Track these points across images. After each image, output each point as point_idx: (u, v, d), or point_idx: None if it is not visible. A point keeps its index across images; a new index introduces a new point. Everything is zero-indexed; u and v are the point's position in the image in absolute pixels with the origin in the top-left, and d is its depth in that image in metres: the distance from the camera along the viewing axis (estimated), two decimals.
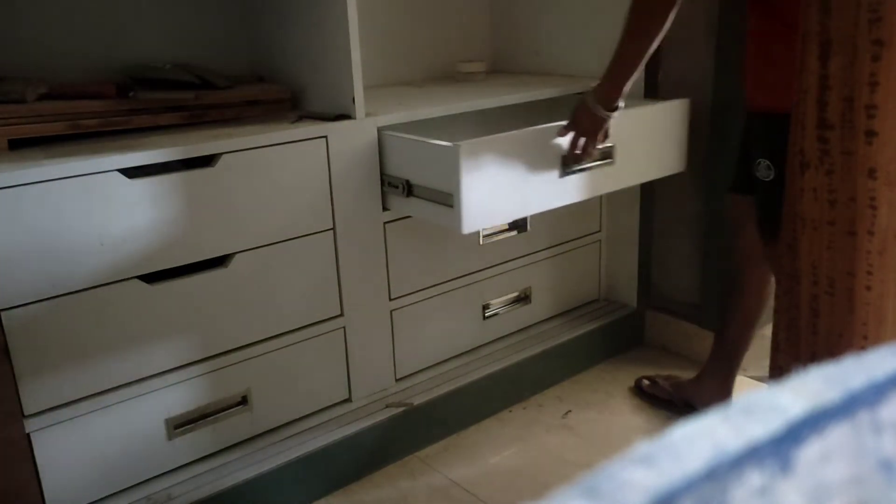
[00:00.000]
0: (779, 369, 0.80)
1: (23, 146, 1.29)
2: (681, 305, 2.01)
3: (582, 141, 1.46)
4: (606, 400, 1.84)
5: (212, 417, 1.42)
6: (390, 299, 1.63)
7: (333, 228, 1.49)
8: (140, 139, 1.34)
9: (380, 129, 1.51)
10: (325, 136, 1.44)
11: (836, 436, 0.32)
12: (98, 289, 1.24)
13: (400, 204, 1.52)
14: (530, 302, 1.92)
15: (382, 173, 1.53)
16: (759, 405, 0.31)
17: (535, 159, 1.47)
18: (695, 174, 1.89)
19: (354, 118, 1.48)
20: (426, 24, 2.07)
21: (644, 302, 2.07)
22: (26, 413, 1.21)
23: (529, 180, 1.47)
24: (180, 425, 1.38)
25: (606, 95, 1.41)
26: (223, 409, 1.43)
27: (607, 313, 2.03)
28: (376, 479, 1.57)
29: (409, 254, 1.63)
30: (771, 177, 1.38)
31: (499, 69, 2.19)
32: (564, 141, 1.49)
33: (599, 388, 1.89)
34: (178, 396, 1.37)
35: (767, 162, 1.38)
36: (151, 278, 1.29)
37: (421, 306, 1.69)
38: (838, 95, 0.66)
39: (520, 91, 1.77)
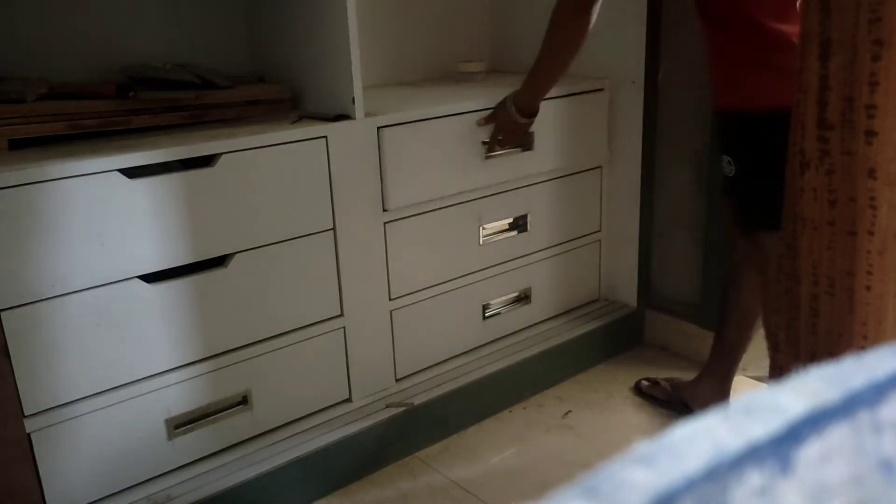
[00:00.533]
0: (779, 369, 0.80)
1: (23, 146, 1.29)
2: (681, 305, 2.01)
3: (500, 136, 1.64)
4: (606, 400, 1.84)
5: (212, 417, 1.41)
6: (390, 299, 1.63)
7: (333, 228, 1.49)
8: (140, 139, 1.34)
9: (379, 129, 1.51)
10: (325, 136, 1.44)
11: (836, 436, 0.32)
12: (98, 289, 1.24)
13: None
14: (530, 302, 1.92)
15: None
16: (759, 405, 0.31)
17: (460, 143, 1.64)
18: (695, 174, 1.89)
19: (354, 118, 1.48)
20: (426, 24, 2.07)
21: (644, 302, 2.06)
22: (26, 413, 1.21)
23: (454, 162, 1.64)
24: (180, 425, 1.38)
25: (527, 104, 1.57)
26: (223, 409, 1.43)
27: (607, 313, 2.03)
28: (376, 479, 1.57)
29: (408, 254, 1.63)
30: (732, 172, 1.40)
31: (499, 69, 2.19)
32: (484, 130, 1.64)
33: (599, 388, 1.89)
34: (178, 396, 1.37)
35: (728, 158, 1.41)
36: (151, 278, 1.29)
37: (421, 306, 1.69)
38: (838, 95, 0.66)
39: None
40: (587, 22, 1.45)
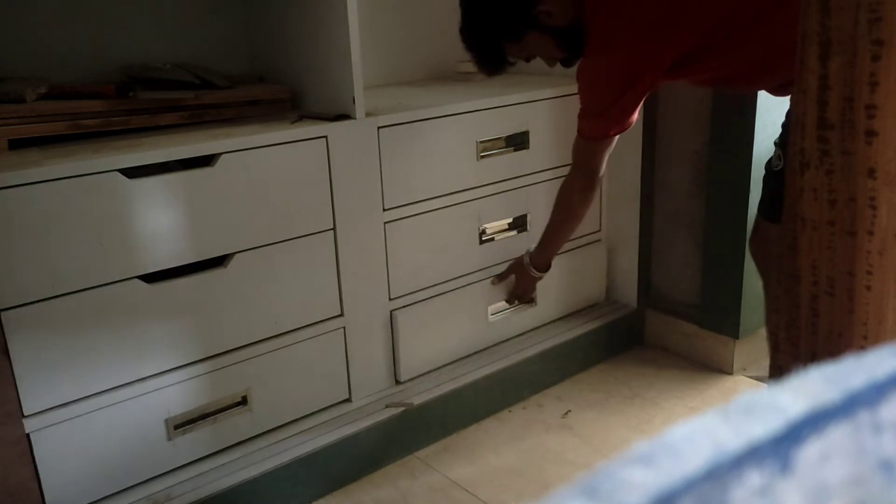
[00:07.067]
0: (779, 369, 0.80)
1: (23, 146, 1.29)
2: (681, 305, 2.01)
3: (519, 291, 1.81)
4: (606, 400, 1.84)
5: (212, 417, 1.42)
6: (390, 299, 1.63)
7: (333, 228, 1.49)
8: (140, 139, 1.34)
9: (379, 129, 1.51)
10: (325, 136, 1.44)
11: (836, 436, 0.32)
12: (98, 289, 1.24)
13: None
14: (535, 304, 1.92)
15: None
16: (759, 405, 0.31)
17: (460, 143, 1.66)
18: (695, 174, 1.89)
19: (354, 118, 1.48)
20: (426, 24, 2.07)
21: (644, 302, 2.06)
22: (26, 413, 1.21)
23: (454, 162, 1.67)
24: (180, 425, 1.38)
25: (542, 262, 1.73)
26: (223, 409, 1.43)
27: (607, 313, 2.03)
28: (376, 479, 1.57)
29: (409, 254, 1.63)
30: (780, 166, 1.41)
31: None
32: (482, 131, 1.71)
33: (599, 388, 1.89)
34: (178, 396, 1.37)
35: (780, 152, 1.42)
36: (151, 278, 1.29)
37: (421, 306, 1.69)
38: (838, 95, 0.66)
39: (519, 91, 1.77)
40: (591, 198, 1.58)
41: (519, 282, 1.79)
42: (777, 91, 1.44)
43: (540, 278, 1.77)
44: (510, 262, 1.80)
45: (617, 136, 1.48)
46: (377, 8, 1.95)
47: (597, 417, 1.77)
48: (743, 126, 1.71)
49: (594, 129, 1.46)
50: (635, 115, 1.44)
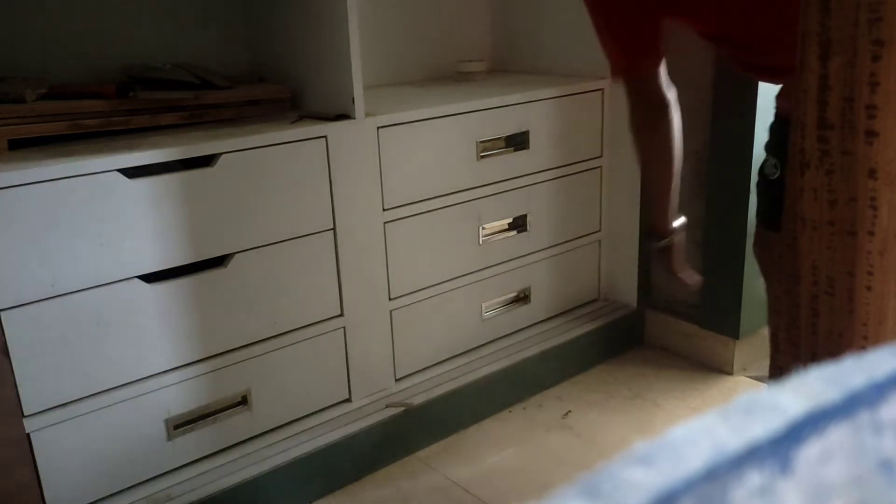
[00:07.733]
0: (779, 369, 0.80)
1: (23, 146, 1.29)
2: (681, 305, 2.01)
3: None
4: (606, 400, 1.84)
5: (212, 417, 1.42)
6: (390, 299, 1.63)
7: (333, 228, 1.49)
8: (140, 139, 1.34)
9: (379, 129, 1.51)
10: (325, 136, 1.44)
11: (836, 436, 0.32)
12: (98, 289, 1.24)
13: None
14: (530, 302, 1.92)
15: None
16: (759, 405, 0.31)
17: (460, 143, 1.70)
18: (695, 174, 1.89)
19: (354, 118, 1.48)
20: (426, 24, 2.07)
21: (644, 302, 2.06)
22: (26, 413, 1.21)
23: (454, 162, 1.69)
24: (180, 425, 1.38)
25: (657, 228, 1.38)
26: (223, 409, 1.43)
27: (607, 313, 2.03)
28: (376, 479, 1.57)
29: (409, 254, 1.63)
30: (776, 175, 1.39)
31: (499, 69, 2.19)
32: (482, 129, 1.63)
33: (599, 388, 1.89)
34: (178, 396, 1.37)
35: (776, 161, 1.39)
36: (151, 278, 1.29)
37: (421, 306, 1.69)
38: (838, 95, 0.66)
39: (520, 91, 1.77)
40: (660, 127, 1.27)
41: (660, 267, 1.44)
42: (774, 77, 1.35)
43: (661, 249, 1.39)
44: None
45: (656, 68, 1.24)
46: (377, 8, 1.95)
47: (597, 418, 1.77)
48: (743, 126, 1.71)
49: (612, 54, 1.27)
50: (658, 47, 1.24)
